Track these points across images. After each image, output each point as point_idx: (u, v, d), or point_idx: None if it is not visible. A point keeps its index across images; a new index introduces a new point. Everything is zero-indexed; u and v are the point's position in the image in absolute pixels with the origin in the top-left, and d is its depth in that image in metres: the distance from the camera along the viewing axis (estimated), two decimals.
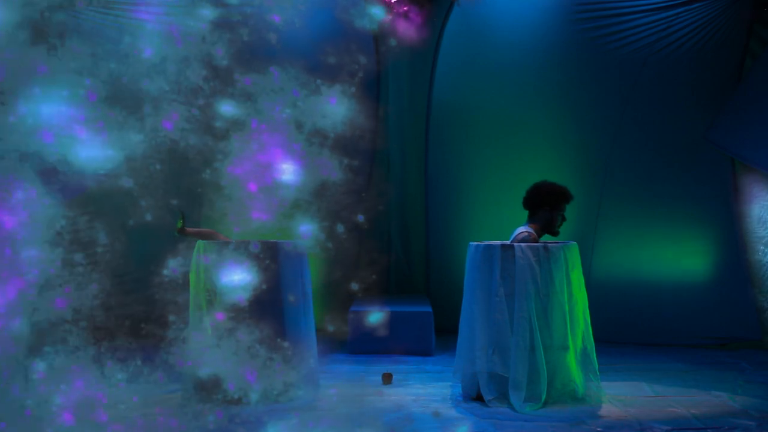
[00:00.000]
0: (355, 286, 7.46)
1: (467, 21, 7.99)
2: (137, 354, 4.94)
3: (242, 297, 4.95)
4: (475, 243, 5.35)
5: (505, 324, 5.05)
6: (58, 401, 3.92)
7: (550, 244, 5.09)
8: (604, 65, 7.70)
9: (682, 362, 6.64)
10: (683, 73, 7.58)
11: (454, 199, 8.40)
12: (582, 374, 5.19)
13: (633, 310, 7.68)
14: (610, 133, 7.82)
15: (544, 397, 4.99)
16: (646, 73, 7.62)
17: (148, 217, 5.39)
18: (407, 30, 7.81)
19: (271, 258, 5.14)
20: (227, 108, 5.32)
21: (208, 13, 5.50)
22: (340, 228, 5.96)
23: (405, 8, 7.93)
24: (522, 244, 5.12)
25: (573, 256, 5.18)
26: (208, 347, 4.92)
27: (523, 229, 5.39)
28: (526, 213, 5.53)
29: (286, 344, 5.06)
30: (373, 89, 8.29)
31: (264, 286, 5.02)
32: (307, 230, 5.42)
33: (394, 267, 8.77)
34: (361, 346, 7.00)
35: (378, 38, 8.24)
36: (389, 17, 7.78)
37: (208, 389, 5.01)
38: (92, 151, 4.16)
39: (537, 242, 5.28)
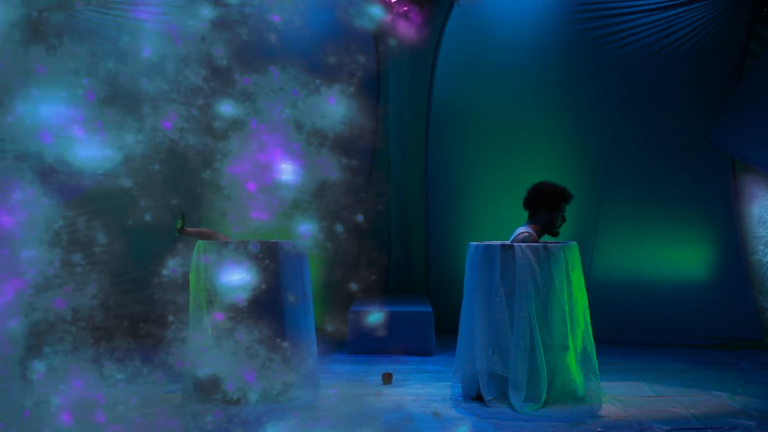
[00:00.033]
0: (354, 286, 7.46)
1: (467, 21, 7.98)
2: (136, 354, 4.93)
3: (242, 297, 4.95)
4: (475, 243, 5.34)
5: (505, 324, 5.05)
6: (56, 402, 3.92)
7: (550, 244, 5.09)
8: (604, 65, 7.69)
9: (682, 362, 6.64)
10: (683, 73, 7.57)
11: (454, 199, 8.40)
12: (582, 374, 5.18)
13: (633, 310, 7.68)
14: (610, 133, 7.81)
15: (544, 397, 4.98)
16: (646, 73, 7.61)
17: (147, 217, 5.39)
18: (407, 30, 7.80)
19: (271, 258, 5.13)
20: (226, 108, 5.32)
21: (208, 12, 5.49)
22: (339, 228, 5.95)
23: (405, 8, 7.93)
24: (522, 244, 5.12)
25: (573, 256, 5.18)
26: (208, 347, 4.91)
27: (523, 230, 5.39)
28: (526, 213, 5.53)
29: (285, 344, 5.06)
30: (373, 89, 8.28)
31: (264, 286, 5.02)
32: (306, 230, 5.42)
33: (394, 267, 8.77)
34: (361, 346, 7.00)
35: (378, 38, 8.23)
36: (389, 17, 7.77)
37: (207, 389, 5.01)
38: (91, 151, 4.16)
39: (537, 242, 5.27)
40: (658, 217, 7.67)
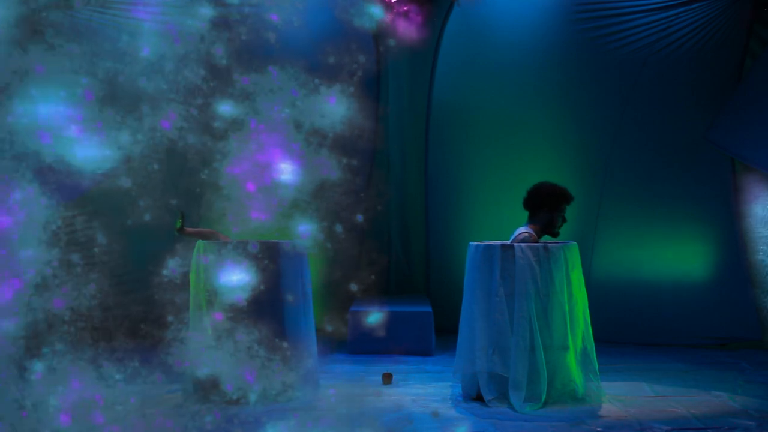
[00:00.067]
0: (354, 286, 7.46)
1: (467, 21, 7.98)
2: (135, 354, 4.92)
3: (242, 297, 4.94)
4: (475, 243, 5.34)
5: (505, 324, 5.04)
6: (55, 402, 3.91)
7: (550, 244, 5.09)
8: (604, 65, 7.69)
9: (682, 362, 6.63)
10: (683, 73, 7.56)
11: (454, 199, 8.39)
12: (582, 374, 5.18)
13: (633, 310, 7.67)
14: (610, 133, 7.81)
15: (544, 397, 4.98)
16: (646, 73, 7.61)
17: (147, 217, 5.38)
18: (407, 30, 7.81)
19: (271, 258, 5.13)
20: (226, 108, 5.32)
21: (207, 12, 5.49)
22: (339, 228, 5.95)
23: (405, 8, 7.92)
24: (522, 244, 5.11)
25: (573, 256, 5.17)
26: (208, 347, 4.91)
27: (523, 230, 5.38)
28: (526, 213, 5.52)
29: (285, 344, 5.06)
30: (373, 89, 8.28)
31: (263, 287, 5.02)
32: (306, 230, 5.41)
33: (394, 267, 8.77)
34: (361, 346, 6.99)
35: (378, 38, 8.23)
36: (389, 17, 7.77)
37: (207, 389, 5.00)
38: (90, 151, 4.15)
39: (537, 243, 5.27)
40: (658, 217, 7.67)
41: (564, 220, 5.47)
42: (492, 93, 8.04)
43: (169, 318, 4.99)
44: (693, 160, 7.61)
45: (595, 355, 5.23)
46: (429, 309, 7.21)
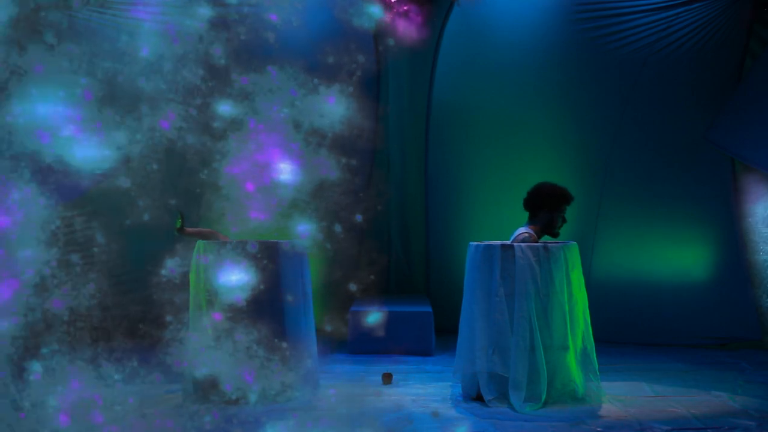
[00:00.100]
0: (354, 286, 7.45)
1: (467, 21, 7.97)
2: (134, 354, 4.91)
3: (242, 297, 4.94)
4: (475, 243, 5.33)
5: (505, 324, 5.04)
6: (54, 402, 3.91)
7: (550, 244, 5.08)
8: (604, 65, 7.68)
9: (682, 362, 6.62)
10: (683, 73, 7.56)
11: (454, 199, 8.39)
12: (582, 374, 5.17)
13: (633, 310, 7.67)
14: (610, 133, 7.80)
15: (544, 397, 4.97)
16: (646, 73, 7.60)
17: (146, 217, 5.38)
18: (407, 29, 7.80)
19: (270, 258, 5.13)
20: (225, 108, 5.32)
21: (206, 12, 5.48)
22: (339, 228, 5.95)
23: (405, 8, 7.92)
24: (522, 244, 5.11)
25: (573, 256, 5.17)
26: (207, 347, 4.91)
27: (523, 230, 5.38)
28: (526, 213, 5.52)
29: (285, 344, 5.05)
30: (373, 89, 8.28)
31: (263, 287, 5.01)
32: (305, 230, 5.41)
33: (394, 267, 8.77)
34: (361, 346, 6.99)
35: (377, 38, 8.23)
36: (389, 17, 7.77)
37: (206, 389, 5.00)
38: (89, 151, 4.15)
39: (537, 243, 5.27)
40: (658, 217, 7.66)
41: (564, 221, 5.46)
42: (492, 93, 8.04)
43: (168, 318, 4.99)
44: (693, 160, 7.60)
45: (595, 355, 5.23)
46: (429, 309, 7.21)
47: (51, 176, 3.98)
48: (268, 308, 5.09)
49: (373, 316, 7.00)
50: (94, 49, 4.35)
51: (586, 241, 7.66)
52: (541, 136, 7.94)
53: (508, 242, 5.27)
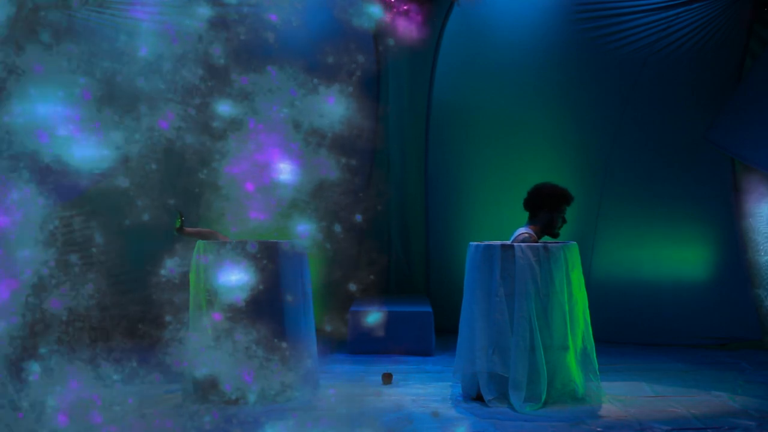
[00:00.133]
0: (354, 286, 7.45)
1: (467, 21, 7.97)
2: (133, 354, 4.91)
3: (241, 297, 4.93)
4: (475, 243, 5.33)
5: (505, 324, 5.04)
6: (53, 403, 3.91)
7: (550, 244, 5.08)
8: (604, 65, 7.68)
9: (682, 362, 6.62)
10: (683, 73, 7.56)
11: (454, 199, 8.39)
12: (582, 374, 5.17)
13: (633, 310, 7.66)
14: (610, 133, 7.80)
15: (544, 397, 4.97)
16: (646, 73, 7.60)
17: (145, 217, 5.37)
18: (407, 29, 7.80)
19: (270, 258, 5.13)
20: (224, 107, 5.31)
21: (205, 12, 5.48)
22: (338, 228, 5.94)
23: (405, 7, 7.92)
24: (522, 244, 5.11)
25: (573, 256, 5.17)
26: (207, 347, 4.90)
27: (523, 230, 5.38)
28: (526, 213, 5.52)
29: (285, 344, 5.05)
30: (373, 89, 8.28)
31: (263, 287, 5.01)
32: (304, 230, 5.41)
33: (394, 267, 8.77)
34: (361, 346, 6.99)
35: (377, 37, 8.23)
36: (389, 16, 7.76)
37: (206, 389, 4.99)
38: (88, 151, 4.15)
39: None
40: (658, 217, 7.66)
41: (564, 221, 5.46)
42: (492, 93, 8.04)
43: (167, 318, 4.98)
44: (693, 160, 7.60)
45: (595, 355, 5.22)
46: (429, 309, 7.20)
47: (50, 176, 3.98)
48: (267, 308, 5.09)
49: (373, 316, 7.00)
50: (92, 49, 4.34)
51: (586, 241, 7.66)
52: (541, 136, 7.94)
53: (508, 242, 5.27)
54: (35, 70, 3.88)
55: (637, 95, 7.66)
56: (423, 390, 5.53)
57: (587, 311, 5.27)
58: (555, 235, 5.48)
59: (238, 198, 5.17)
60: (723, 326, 7.42)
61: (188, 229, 5.68)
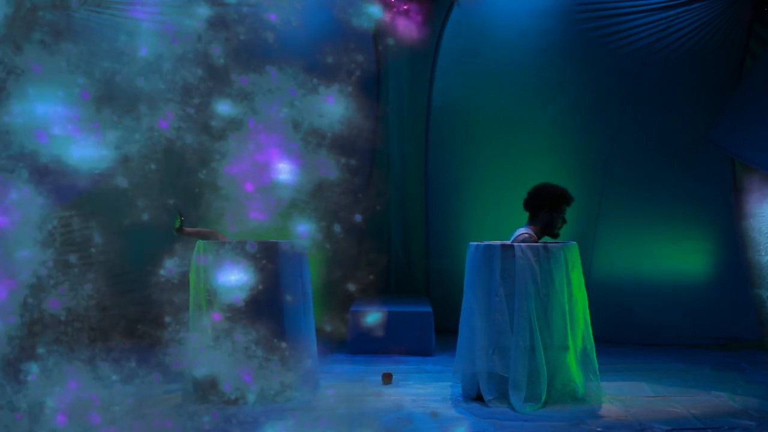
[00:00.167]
0: (354, 286, 7.45)
1: (467, 21, 7.97)
2: (133, 355, 4.90)
3: (241, 297, 4.93)
4: (475, 243, 5.33)
5: (505, 324, 5.03)
6: (52, 403, 3.90)
7: (550, 244, 5.07)
8: (604, 65, 7.68)
9: (682, 362, 6.62)
10: (683, 73, 7.55)
11: (454, 199, 8.38)
12: (582, 374, 5.16)
13: (633, 310, 7.66)
14: (610, 133, 7.80)
15: (544, 397, 4.96)
16: (646, 73, 7.60)
17: (144, 217, 5.37)
18: (407, 29, 7.80)
19: (270, 258, 5.12)
20: (224, 107, 5.31)
21: (204, 12, 5.48)
22: (338, 228, 5.94)
23: (405, 7, 7.91)
24: (522, 244, 5.10)
25: (573, 256, 5.16)
26: (207, 347, 4.90)
27: (523, 231, 5.37)
28: (526, 214, 5.51)
29: (285, 344, 5.05)
30: (373, 89, 8.27)
31: (262, 287, 5.00)
32: (304, 230, 5.40)
33: (394, 267, 8.76)
34: (360, 346, 6.98)
35: (377, 37, 8.22)
36: (389, 16, 7.76)
37: (206, 389, 4.99)
38: (87, 151, 4.14)
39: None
40: (658, 217, 7.65)
41: (564, 221, 5.46)
42: (492, 93, 8.04)
43: (167, 318, 4.98)
44: (693, 160, 7.59)
45: (595, 355, 5.22)
46: (429, 309, 7.20)
47: (49, 176, 3.98)
48: (267, 308, 5.08)
49: (373, 316, 6.99)
50: (92, 49, 4.34)
51: (586, 241, 7.65)
52: (541, 136, 7.94)
53: (508, 242, 5.27)
54: (34, 70, 3.87)
55: (637, 95, 7.66)
56: (423, 390, 5.53)
57: (587, 311, 5.27)
58: (555, 236, 5.47)
59: (238, 198, 5.17)
60: (723, 326, 7.41)
61: (188, 229, 5.68)
